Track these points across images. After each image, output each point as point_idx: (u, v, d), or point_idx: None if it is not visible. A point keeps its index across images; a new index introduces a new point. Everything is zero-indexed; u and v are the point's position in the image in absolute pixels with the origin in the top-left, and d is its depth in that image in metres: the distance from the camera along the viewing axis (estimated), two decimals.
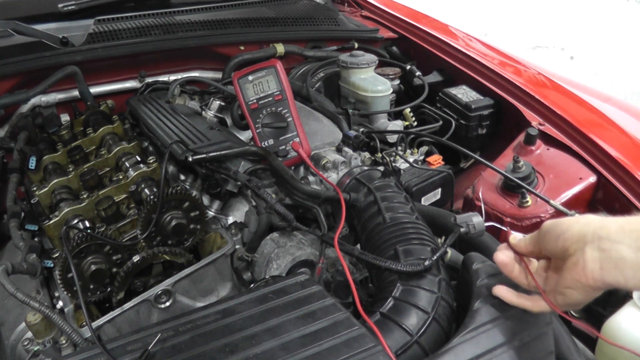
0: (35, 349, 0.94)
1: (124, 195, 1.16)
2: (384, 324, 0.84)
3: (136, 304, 0.98)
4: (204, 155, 1.14)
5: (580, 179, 1.26)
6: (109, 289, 1.02)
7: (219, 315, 0.80)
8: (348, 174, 1.23)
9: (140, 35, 1.64)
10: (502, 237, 1.10)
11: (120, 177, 1.17)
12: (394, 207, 1.08)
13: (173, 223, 1.06)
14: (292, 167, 1.29)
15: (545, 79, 1.64)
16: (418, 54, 1.95)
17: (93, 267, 0.98)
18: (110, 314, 0.96)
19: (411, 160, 1.42)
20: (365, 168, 1.25)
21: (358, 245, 1.11)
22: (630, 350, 0.82)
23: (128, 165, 1.22)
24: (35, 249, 1.07)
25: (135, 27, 1.66)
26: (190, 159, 1.13)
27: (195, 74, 1.74)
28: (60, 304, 1.01)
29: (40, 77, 1.47)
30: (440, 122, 1.60)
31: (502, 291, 0.80)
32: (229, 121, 1.50)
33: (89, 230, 1.01)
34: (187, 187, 1.27)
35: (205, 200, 1.24)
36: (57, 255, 1.04)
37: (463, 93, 1.63)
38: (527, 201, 1.21)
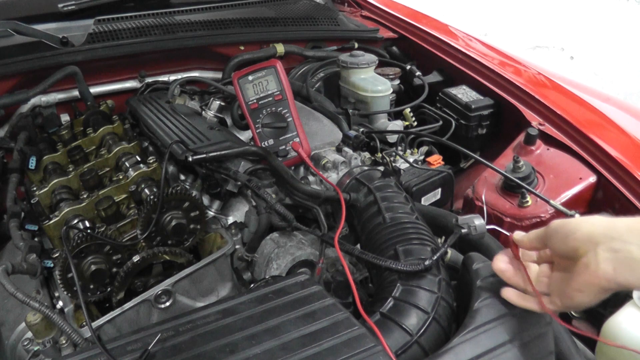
0: (35, 349, 0.94)
1: (124, 195, 1.16)
2: (384, 324, 0.84)
3: (136, 304, 0.98)
4: (204, 155, 1.14)
5: (580, 179, 1.26)
6: (109, 289, 1.02)
7: (219, 315, 0.80)
8: (348, 174, 1.23)
9: (140, 35, 1.64)
10: (502, 240, 1.10)
11: (120, 177, 1.17)
12: (394, 207, 1.08)
13: (173, 223, 1.06)
14: (292, 167, 1.29)
15: (545, 79, 1.64)
16: (418, 54, 1.95)
17: (93, 267, 0.98)
18: (110, 314, 0.96)
19: (411, 160, 1.42)
20: (365, 168, 1.25)
21: (358, 245, 1.11)
22: (630, 349, 0.82)
23: (128, 165, 1.22)
24: (35, 249, 1.07)
25: (135, 27, 1.66)
26: (190, 159, 1.13)
27: (195, 74, 1.74)
28: (60, 304, 1.01)
29: (40, 77, 1.47)
30: (440, 122, 1.60)
31: (509, 293, 0.80)
32: (229, 121, 1.50)
33: (89, 230, 1.01)
34: (187, 187, 1.27)
35: (205, 200, 1.24)
36: (57, 255, 1.04)
37: (463, 93, 1.63)
38: (527, 201, 1.21)
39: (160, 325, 0.79)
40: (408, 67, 1.82)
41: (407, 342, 0.82)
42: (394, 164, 1.40)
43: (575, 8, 6.37)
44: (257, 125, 1.26)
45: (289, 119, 1.26)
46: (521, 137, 1.39)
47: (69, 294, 0.98)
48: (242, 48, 1.80)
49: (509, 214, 1.22)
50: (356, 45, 1.92)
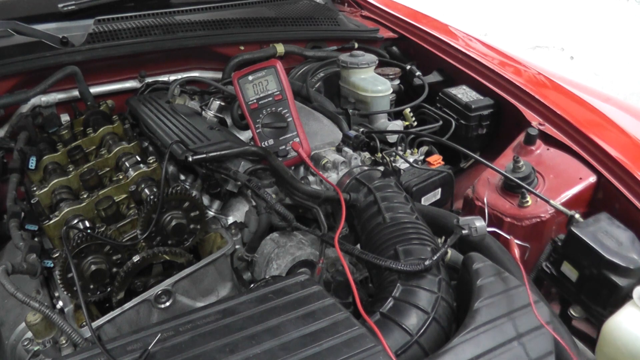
0: (35, 349, 0.94)
1: (124, 195, 1.16)
2: (384, 324, 0.84)
3: (136, 304, 0.98)
4: (204, 155, 1.14)
5: (580, 179, 1.26)
6: (109, 289, 1.02)
7: (219, 315, 0.80)
8: (348, 174, 1.23)
9: (140, 35, 1.64)
10: (501, 241, 1.10)
11: (120, 177, 1.17)
12: (394, 207, 1.08)
13: (173, 223, 1.06)
14: (292, 167, 1.29)
15: (545, 79, 1.64)
16: (418, 54, 1.95)
17: (93, 267, 0.98)
18: (110, 314, 0.96)
19: (411, 160, 1.42)
20: (365, 168, 1.25)
21: (358, 245, 1.11)
22: None
23: (128, 165, 1.22)
24: (35, 249, 1.07)
25: (135, 27, 1.66)
26: (190, 159, 1.13)
27: (195, 74, 1.74)
28: (60, 304, 1.01)
29: (40, 77, 1.47)
30: (440, 122, 1.60)
31: None
32: (229, 121, 1.49)
33: (89, 230, 1.01)
34: (187, 187, 1.27)
35: (205, 200, 1.24)
36: (57, 255, 1.04)
37: (463, 93, 1.63)
38: (527, 201, 1.21)
39: (160, 325, 0.79)
40: (408, 67, 1.82)
41: (407, 342, 0.82)
42: (394, 164, 1.40)
43: (575, 8, 6.36)
44: (257, 125, 1.26)
45: (289, 119, 1.26)
46: (521, 137, 1.39)
47: (69, 294, 0.99)
48: (242, 48, 1.80)
49: (509, 214, 1.22)
50: (356, 45, 1.92)
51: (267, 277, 1.06)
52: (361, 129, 1.48)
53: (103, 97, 1.63)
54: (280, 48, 1.80)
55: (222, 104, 1.47)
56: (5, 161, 1.38)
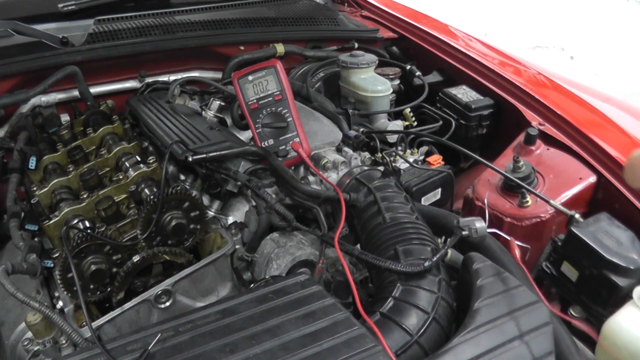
0: (35, 349, 0.94)
1: (124, 195, 1.16)
2: (384, 324, 0.84)
3: (136, 304, 0.98)
4: (204, 155, 1.14)
5: (580, 179, 1.26)
6: (109, 289, 1.02)
7: (219, 315, 0.80)
8: (348, 174, 1.23)
9: (140, 35, 1.64)
10: (501, 242, 1.10)
11: (120, 177, 1.17)
12: (394, 207, 1.08)
13: (173, 223, 1.06)
14: (292, 167, 1.29)
15: (545, 79, 1.64)
16: (418, 54, 1.95)
17: (93, 267, 0.98)
18: (110, 314, 0.96)
19: (411, 160, 1.42)
20: (365, 168, 1.25)
21: (358, 245, 1.11)
22: None
23: (128, 165, 1.22)
24: (35, 249, 1.07)
25: (135, 27, 1.66)
26: (190, 159, 1.13)
27: (195, 74, 1.74)
28: (60, 304, 1.01)
29: (40, 77, 1.47)
30: (440, 122, 1.60)
31: None
32: (229, 121, 1.49)
33: (89, 230, 1.01)
34: (187, 187, 1.27)
35: (205, 200, 1.24)
36: (57, 255, 1.04)
37: (463, 93, 1.63)
38: (527, 201, 1.21)
39: (160, 325, 0.79)
40: (408, 67, 1.82)
41: (407, 342, 0.82)
42: (394, 164, 1.40)
43: (575, 8, 6.36)
44: (257, 125, 1.26)
45: (289, 119, 1.26)
46: (521, 137, 1.39)
47: (69, 294, 0.99)
48: (242, 48, 1.80)
49: (509, 214, 1.22)
50: (356, 45, 1.92)
51: (267, 277, 1.06)
52: (361, 129, 1.48)
53: (103, 97, 1.63)
54: (280, 48, 1.80)
55: (222, 104, 1.47)
56: (5, 161, 1.38)
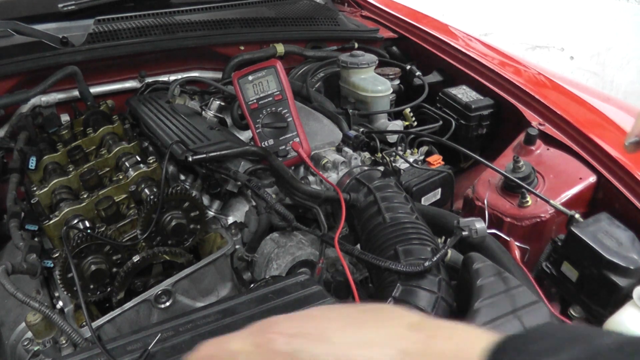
0: (35, 349, 0.94)
1: (124, 195, 1.16)
2: None
3: (136, 304, 0.98)
4: (204, 155, 1.14)
5: (580, 179, 1.26)
6: (109, 289, 1.02)
7: (219, 315, 0.80)
8: (348, 174, 1.23)
9: (140, 35, 1.64)
10: (501, 242, 1.10)
11: (120, 177, 1.17)
12: (394, 207, 1.08)
13: (173, 223, 1.06)
14: (292, 167, 1.29)
15: (545, 79, 1.64)
16: (418, 54, 1.95)
17: (93, 267, 0.98)
18: (110, 314, 0.96)
19: (411, 160, 1.42)
20: (365, 168, 1.25)
21: (358, 245, 1.11)
22: None
23: (128, 165, 1.22)
24: (35, 249, 1.07)
25: (135, 27, 1.66)
26: (190, 159, 1.13)
27: (195, 74, 1.74)
28: (60, 304, 1.01)
29: (40, 77, 1.47)
30: (440, 122, 1.60)
31: None
32: (229, 121, 1.49)
33: (89, 231, 1.01)
34: (187, 187, 1.27)
35: (205, 200, 1.24)
36: (57, 255, 1.04)
37: (463, 93, 1.63)
38: (527, 201, 1.21)
39: (160, 325, 0.79)
40: (408, 67, 1.82)
41: None
42: (394, 164, 1.40)
43: (575, 8, 6.36)
44: (257, 125, 1.26)
45: (289, 119, 1.26)
46: (521, 137, 1.39)
47: (69, 294, 0.98)
48: (242, 48, 1.80)
49: (509, 214, 1.22)
50: (356, 45, 1.92)
51: (267, 277, 1.06)
52: (361, 129, 1.48)
53: (103, 97, 1.62)
54: (280, 48, 1.80)
55: (222, 104, 1.47)
56: (5, 161, 1.38)
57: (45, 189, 1.18)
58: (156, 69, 1.71)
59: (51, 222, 1.07)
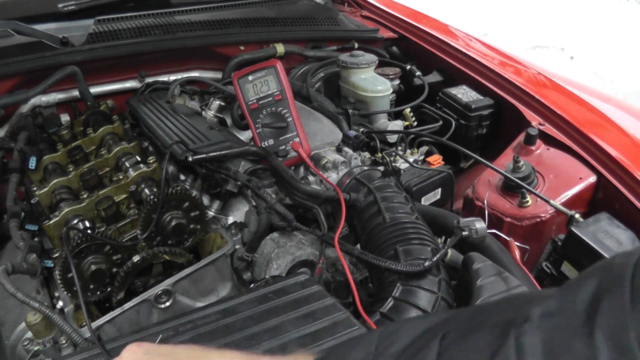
0: (35, 349, 0.94)
1: (124, 195, 1.16)
2: (384, 324, 0.84)
3: (136, 304, 0.98)
4: (204, 155, 1.14)
5: (580, 179, 1.26)
6: (109, 289, 1.02)
7: (219, 315, 0.80)
8: (348, 174, 1.23)
9: (140, 35, 1.64)
10: (501, 243, 1.10)
11: (120, 177, 1.17)
12: (394, 207, 1.08)
13: (173, 223, 1.06)
14: (292, 167, 1.29)
15: (545, 79, 1.64)
16: (418, 54, 1.95)
17: (93, 267, 0.98)
18: (110, 314, 0.96)
19: (411, 160, 1.42)
20: (365, 168, 1.25)
21: (358, 245, 1.11)
22: None
23: (128, 165, 1.22)
24: (35, 249, 1.07)
25: (135, 27, 1.66)
26: (190, 159, 1.13)
27: (195, 74, 1.74)
28: (60, 304, 1.01)
29: (40, 77, 1.47)
30: (440, 122, 1.60)
31: None
32: (229, 121, 1.50)
33: (89, 231, 1.01)
34: (187, 187, 1.27)
35: (205, 200, 1.24)
36: (57, 255, 1.04)
37: (463, 93, 1.63)
38: (527, 201, 1.21)
39: (160, 325, 0.79)
40: (408, 67, 1.82)
41: None
42: (394, 164, 1.40)
43: (575, 8, 6.36)
44: (257, 125, 1.26)
45: (289, 119, 1.26)
46: (521, 137, 1.39)
47: (69, 294, 0.98)
48: (242, 48, 1.80)
49: (509, 214, 1.22)
50: (356, 45, 1.92)
51: (267, 277, 1.06)
52: (361, 129, 1.48)
53: (103, 97, 1.62)
54: (280, 48, 1.80)
55: (222, 104, 1.47)
56: (5, 161, 1.38)
57: (45, 189, 1.18)
58: (156, 69, 1.71)
59: (51, 222, 1.07)
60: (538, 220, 1.20)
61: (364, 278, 1.15)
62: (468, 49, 1.80)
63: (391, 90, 1.62)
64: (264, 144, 1.26)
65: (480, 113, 1.57)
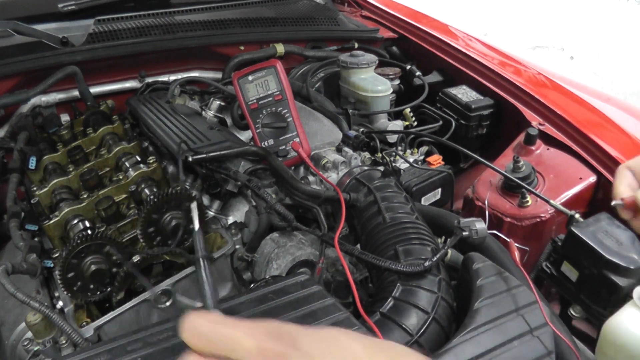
0: (35, 349, 0.94)
1: (124, 195, 1.16)
2: (384, 324, 0.84)
3: (136, 304, 0.98)
4: (204, 155, 1.14)
5: (580, 179, 1.26)
6: (109, 289, 1.02)
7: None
8: (348, 174, 1.23)
9: (140, 35, 1.64)
10: (501, 243, 1.10)
11: (120, 177, 1.17)
12: (394, 207, 1.08)
13: (173, 223, 1.06)
14: (292, 167, 1.29)
15: (545, 79, 1.64)
16: (418, 54, 1.95)
17: (93, 267, 0.98)
18: (110, 314, 0.96)
19: (411, 160, 1.42)
20: (365, 168, 1.25)
21: (358, 245, 1.11)
22: None
23: (128, 165, 1.22)
24: (35, 249, 1.07)
25: (135, 27, 1.66)
26: (190, 159, 1.13)
27: (195, 74, 1.74)
28: (60, 304, 1.00)
29: (40, 77, 1.47)
30: (440, 122, 1.60)
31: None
32: (229, 121, 1.50)
33: (89, 231, 1.01)
34: (187, 187, 1.27)
35: (205, 200, 1.24)
36: (57, 255, 1.04)
37: (463, 93, 1.63)
38: (527, 201, 1.21)
39: (160, 325, 0.78)
40: (408, 67, 1.82)
41: (407, 342, 0.82)
42: (394, 164, 1.40)
43: (575, 8, 6.36)
44: (257, 125, 1.26)
45: (289, 119, 1.26)
46: (521, 137, 1.39)
47: (69, 294, 0.98)
48: (242, 48, 1.80)
49: (509, 214, 1.22)
50: (356, 45, 1.92)
51: (267, 277, 1.06)
52: (361, 129, 1.48)
53: (103, 97, 1.62)
54: (280, 48, 1.80)
55: (222, 104, 1.47)
56: (5, 161, 1.38)
57: (45, 189, 1.18)
58: (156, 69, 1.71)
59: (51, 222, 1.07)
60: (538, 220, 1.20)
61: (364, 278, 1.15)
62: (468, 49, 1.80)
63: (391, 90, 1.62)
64: (264, 144, 1.26)
65: (480, 113, 1.57)
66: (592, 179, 1.26)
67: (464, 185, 1.45)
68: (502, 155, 1.39)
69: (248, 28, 1.81)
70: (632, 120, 1.48)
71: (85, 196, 1.13)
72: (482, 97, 1.61)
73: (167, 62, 1.72)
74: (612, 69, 4.83)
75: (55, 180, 1.19)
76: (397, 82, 1.76)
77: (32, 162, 1.27)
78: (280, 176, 1.17)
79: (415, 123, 1.63)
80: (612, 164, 1.25)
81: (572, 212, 1.11)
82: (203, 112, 1.46)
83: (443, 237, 1.16)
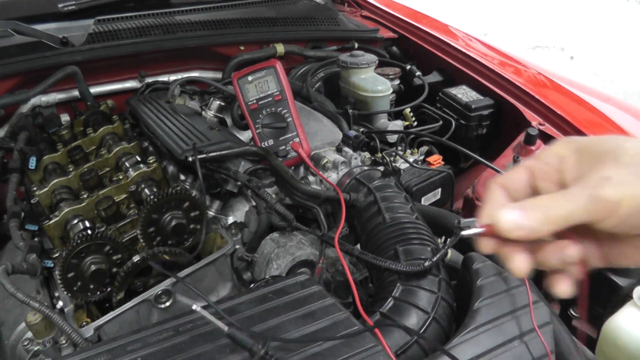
0: (35, 349, 0.94)
1: (124, 195, 1.16)
2: (384, 324, 0.84)
3: (136, 304, 0.98)
4: (204, 155, 1.14)
5: None
6: (109, 289, 1.02)
7: (219, 316, 0.80)
8: (348, 174, 1.23)
9: (140, 35, 1.64)
10: None
11: (120, 177, 1.17)
12: (394, 207, 1.08)
13: (173, 223, 1.06)
14: (292, 167, 1.29)
15: (545, 79, 1.64)
16: (418, 54, 1.95)
17: (93, 267, 0.98)
18: (110, 314, 0.96)
19: (411, 160, 1.42)
20: (365, 168, 1.25)
21: (358, 245, 1.11)
22: None
23: (128, 165, 1.22)
24: (35, 249, 1.07)
25: (135, 27, 1.66)
26: (190, 159, 1.13)
27: (195, 74, 1.74)
28: (60, 304, 1.01)
29: (40, 77, 1.47)
30: (440, 122, 1.60)
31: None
32: (229, 121, 1.50)
33: (89, 231, 1.01)
34: (187, 187, 1.27)
35: (206, 200, 1.24)
36: (57, 255, 1.04)
37: (463, 93, 1.63)
38: None
39: (160, 325, 0.78)
40: (408, 67, 1.82)
41: (407, 342, 0.82)
42: (394, 164, 1.40)
43: (575, 8, 6.37)
44: (257, 126, 1.26)
45: (289, 119, 1.26)
46: (521, 137, 1.39)
47: (69, 294, 0.98)
48: (242, 48, 1.80)
49: None
50: (356, 45, 1.92)
51: (267, 277, 1.06)
52: (361, 129, 1.48)
53: (103, 97, 1.63)
54: (280, 48, 1.80)
55: (222, 104, 1.47)
56: (5, 161, 1.38)
57: (45, 189, 1.18)
58: (156, 69, 1.71)
59: (51, 222, 1.07)
60: None
61: (364, 278, 1.15)
62: (468, 49, 1.80)
63: (391, 90, 1.62)
64: (264, 144, 1.26)
65: (480, 113, 1.57)
66: None
67: (464, 185, 1.45)
68: (502, 155, 1.39)
69: (248, 28, 1.81)
70: (632, 120, 1.48)
71: (85, 196, 1.13)
72: (482, 97, 1.61)
73: (167, 62, 1.72)
74: (612, 69, 4.83)
75: (55, 180, 1.19)
76: (397, 82, 1.76)
77: (32, 162, 1.27)
78: (280, 176, 1.17)
79: (415, 123, 1.63)
80: None
81: None
82: (203, 112, 1.46)
83: (443, 237, 1.16)
